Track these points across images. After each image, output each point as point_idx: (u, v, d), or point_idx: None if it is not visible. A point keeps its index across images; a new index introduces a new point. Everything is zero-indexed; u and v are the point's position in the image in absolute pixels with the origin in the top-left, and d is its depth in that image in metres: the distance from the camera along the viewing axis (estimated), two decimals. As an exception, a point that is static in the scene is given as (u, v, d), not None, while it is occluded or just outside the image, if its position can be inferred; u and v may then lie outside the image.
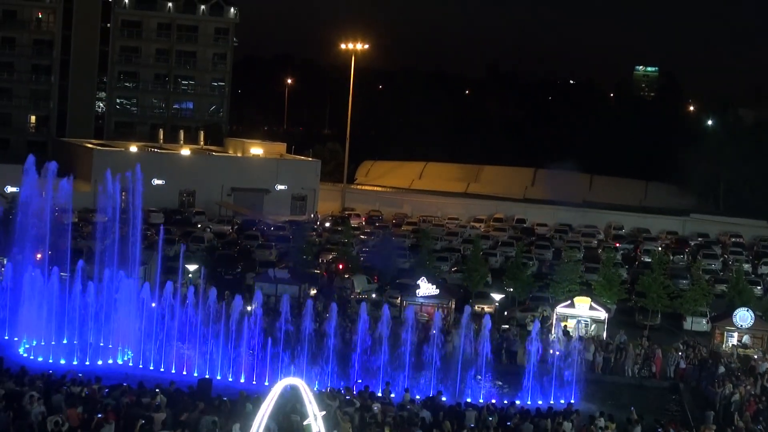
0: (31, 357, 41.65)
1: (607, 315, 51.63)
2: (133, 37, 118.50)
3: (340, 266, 61.79)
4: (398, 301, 53.48)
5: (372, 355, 42.56)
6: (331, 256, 67.35)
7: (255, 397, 32.40)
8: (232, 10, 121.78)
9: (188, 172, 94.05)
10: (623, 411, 36.97)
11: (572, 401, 40.79)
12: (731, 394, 40.37)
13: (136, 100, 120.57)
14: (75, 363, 40.74)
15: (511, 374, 44.19)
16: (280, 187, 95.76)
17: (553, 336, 46.80)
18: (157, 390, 33.01)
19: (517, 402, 38.59)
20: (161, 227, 58.97)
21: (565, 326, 49.85)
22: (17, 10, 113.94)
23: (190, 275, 57.64)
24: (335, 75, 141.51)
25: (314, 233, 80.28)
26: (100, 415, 29.46)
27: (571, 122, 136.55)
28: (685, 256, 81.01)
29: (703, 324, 56.57)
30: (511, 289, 58.41)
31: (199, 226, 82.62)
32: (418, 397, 38.25)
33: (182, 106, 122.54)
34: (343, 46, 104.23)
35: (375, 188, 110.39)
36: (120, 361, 42.24)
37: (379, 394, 37.35)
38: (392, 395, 37.42)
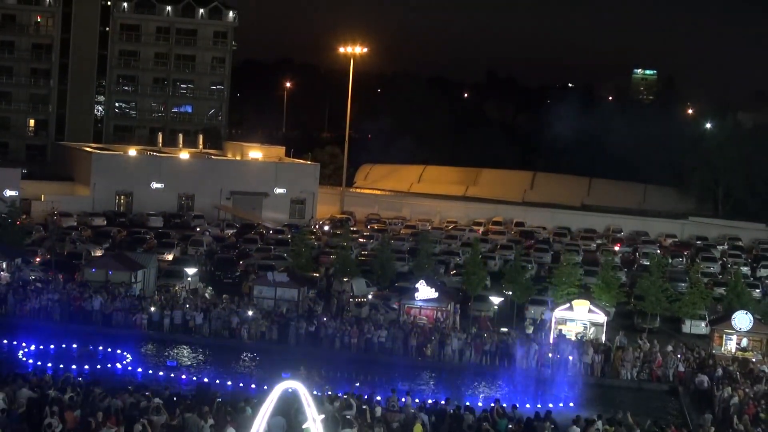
0: (30, 361, 41.63)
1: (606, 318, 51.64)
2: (131, 40, 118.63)
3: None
4: (397, 304, 53.48)
5: (373, 358, 42.67)
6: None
7: (254, 401, 32.38)
8: (230, 13, 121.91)
9: (187, 175, 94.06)
10: (622, 415, 36.89)
11: (571, 404, 40.83)
12: (730, 397, 40.39)
13: (135, 104, 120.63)
14: (74, 367, 40.70)
15: (509, 377, 44.24)
16: (279, 190, 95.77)
17: (551, 339, 46.83)
18: (147, 393, 32.94)
19: (516, 405, 38.52)
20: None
21: (560, 330, 49.89)
22: (16, 14, 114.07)
23: (189, 278, 57.75)
24: (334, 78, 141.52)
25: (313, 236, 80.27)
26: (99, 419, 29.42)
27: (569, 126, 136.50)
28: (684, 259, 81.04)
29: (701, 327, 56.60)
30: (510, 293, 58.40)
31: (198, 229, 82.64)
32: (417, 400, 38.18)
33: (181, 109, 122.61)
34: (342, 49, 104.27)
35: (374, 191, 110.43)
36: (119, 365, 42.20)
37: (378, 398, 37.32)
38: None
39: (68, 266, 58.75)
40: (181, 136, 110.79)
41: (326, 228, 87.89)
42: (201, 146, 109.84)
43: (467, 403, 36.92)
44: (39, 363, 41.28)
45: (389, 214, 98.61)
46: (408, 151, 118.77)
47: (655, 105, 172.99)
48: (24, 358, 41.96)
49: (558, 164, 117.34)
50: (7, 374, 35.83)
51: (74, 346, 43.09)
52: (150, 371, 41.69)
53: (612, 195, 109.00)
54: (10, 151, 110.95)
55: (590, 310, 50.82)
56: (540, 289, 58.31)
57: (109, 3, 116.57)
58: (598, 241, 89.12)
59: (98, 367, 41.29)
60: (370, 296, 56.54)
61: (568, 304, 51.33)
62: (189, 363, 43.86)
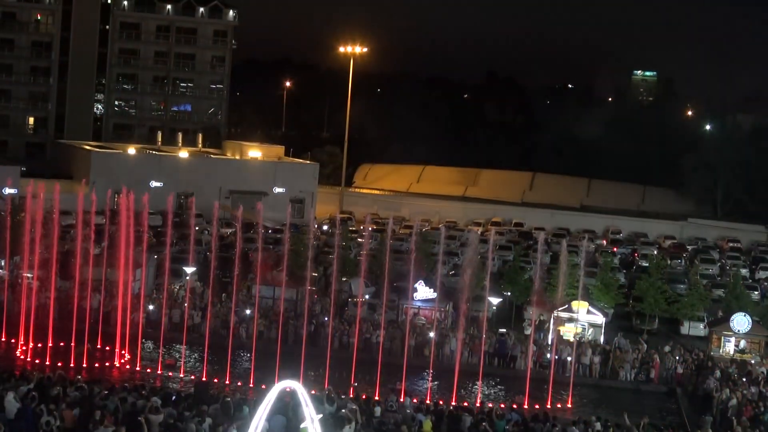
0: (28, 359, 41.62)
1: (604, 319, 51.63)
2: (131, 39, 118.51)
3: None
4: (395, 304, 53.38)
5: (370, 358, 42.56)
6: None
7: (252, 400, 32.37)
8: (230, 12, 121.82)
9: (186, 174, 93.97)
10: (620, 416, 36.91)
11: (569, 405, 40.83)
12: (728, 398, 40.38)
13: (135, 102, 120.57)
14: (72, 365, 40.70)
15: (508, 378, 44.20)
16: (278, 190, 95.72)
17: (549, 340, 46.82)
18: (143, 393, 32.91)
19: (515, 406, 38.52)
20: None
21: (558, 330, 49.83)
22: (16, 12, 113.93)
23: (187, 277, 57.63)
24: (334, 78, 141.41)
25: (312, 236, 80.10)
26: (97, 418, 29.39)
27: (569, 126, 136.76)
28: (683, 261, 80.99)
29: (700, 329, 56.61)
30: (509, 293, 58.36)
31: (197, 228, 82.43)
32: (415, 400, 38.19)
33: (181, 108, 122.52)
34: (341, 49, 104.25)
35: (373, 191, 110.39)
36: (117, 364, 42.17)
37: (376, 398, 37.30)
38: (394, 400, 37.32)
39: (66, 264, 58.62)
40: (180, 134, 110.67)
41: (325, 227, 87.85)
42: (200, 145, 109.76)
43: (464, 404, 36.81)
44: (37, 361, 41.30)
45: (389, 214, 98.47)
46: (408, 151, 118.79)
47: (654, 106, 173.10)
48: (22, 357, 41.95)
49: (557, 165, 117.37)
50: (6, 373, 35.83)
51: (72, 344, 43.03)
52: (148, 370, 41.69)
53: (611, 196, 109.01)
54: (9, 149, 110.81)
55: (589, 312, 50.82)
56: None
57: (109, 1, 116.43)
58: (597, 242, 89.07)
59: (96, 365, 41.29)
60: (367, 296, 56.43)
61: (566, 305, 51.31)
62: (187, 362, 43.81)
